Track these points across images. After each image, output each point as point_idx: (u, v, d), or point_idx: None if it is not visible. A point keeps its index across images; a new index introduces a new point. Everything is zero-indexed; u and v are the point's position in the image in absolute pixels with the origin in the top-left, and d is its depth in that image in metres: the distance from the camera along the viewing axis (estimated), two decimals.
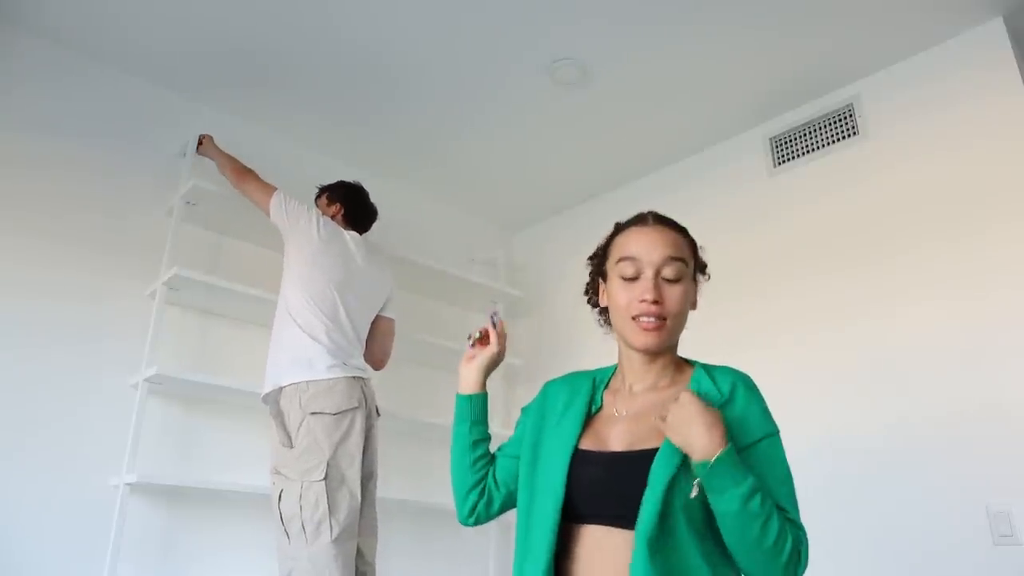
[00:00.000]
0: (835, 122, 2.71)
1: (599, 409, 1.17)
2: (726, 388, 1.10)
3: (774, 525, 0.95)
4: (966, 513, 2.06)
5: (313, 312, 2.14)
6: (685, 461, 0.99)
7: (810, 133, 2.78)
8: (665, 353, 1.16)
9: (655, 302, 1.10)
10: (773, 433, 1.09)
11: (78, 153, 2.52)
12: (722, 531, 0.98)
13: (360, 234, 2.49)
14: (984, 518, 2.03)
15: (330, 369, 2.07)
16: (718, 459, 0.94)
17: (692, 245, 1.20)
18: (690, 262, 1.16)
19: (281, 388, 2.08)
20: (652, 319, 1.10)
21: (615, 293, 1.15)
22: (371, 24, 2.44)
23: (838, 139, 2.69)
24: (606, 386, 1.21)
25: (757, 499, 0.94)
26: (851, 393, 2.39)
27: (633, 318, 1.11)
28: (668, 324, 1.11)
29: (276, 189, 2.41)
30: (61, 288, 2.37)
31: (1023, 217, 2.18)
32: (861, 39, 2.49)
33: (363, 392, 2.13)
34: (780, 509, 1.01)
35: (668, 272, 1.12)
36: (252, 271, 2.72)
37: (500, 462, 1.29)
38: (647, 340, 1.11)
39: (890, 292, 2.40)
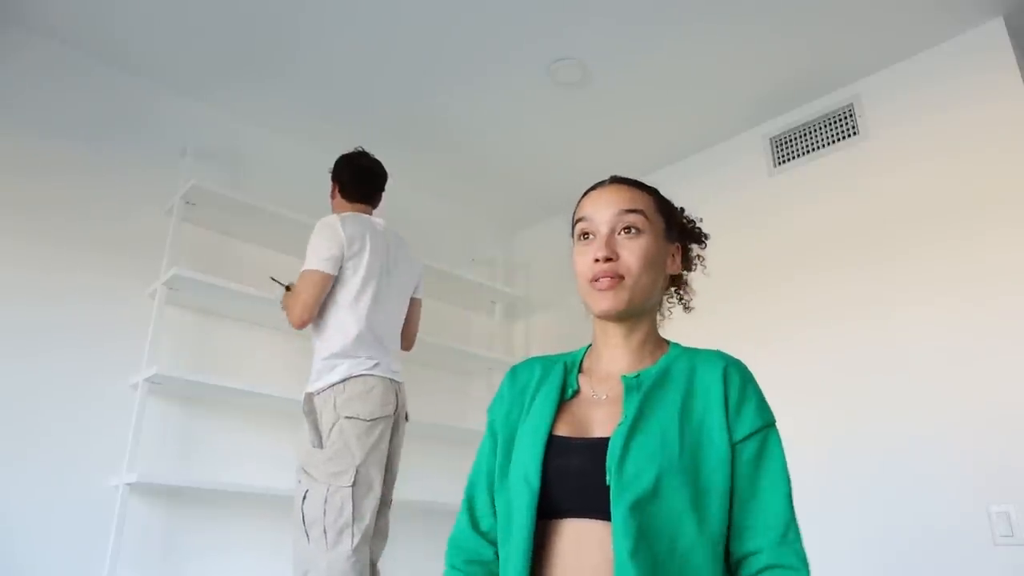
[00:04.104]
0: (835, 122, 2.71)
1: (575, 393, 1.06)
2: (716, 376, 1.01)
3: None
4: (966, 513, 2.06)
5: (358, 307, 2.09)
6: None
7: (810, 133, 2.78)
8: (640, 325, 1.07)
9: (608, 259, 1.01)
10: (769, 424, 1.01)
11: (78, 153, 2.52)
12: None
13: (370, 204, 2.35)
14: (984, 518, 2.03)
15: (367, 367, 2.03)
16: None
17: (660, 203, 1.11)
18: (654, 218, 1.07)
19: (322, 389, 2.03)
20: (607, 279, 1.01)
21: (574, 258, 1.07)
22: (370, 24, 2.44)
23: (838, 139, 2.69)
24: (579, 368, 1.10)
25: None
26: (850, 393, 2.39)
27: (590, 282, 1.03)
28: (627, 282, 1.01)
29: (319, 272, 2.12)
30: (61, 288, 2.37)
31: (1023, 217, 2.18)
32: (861, 39, 2.49)
33: (397, 397, 2.09)
34: (767, 527, 0.95)
35: (623, 225, 1.04)
36: (252, 271, 2.72)
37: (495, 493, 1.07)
38: (604, 302, 1.01)
39: (889, 293, 2.40)
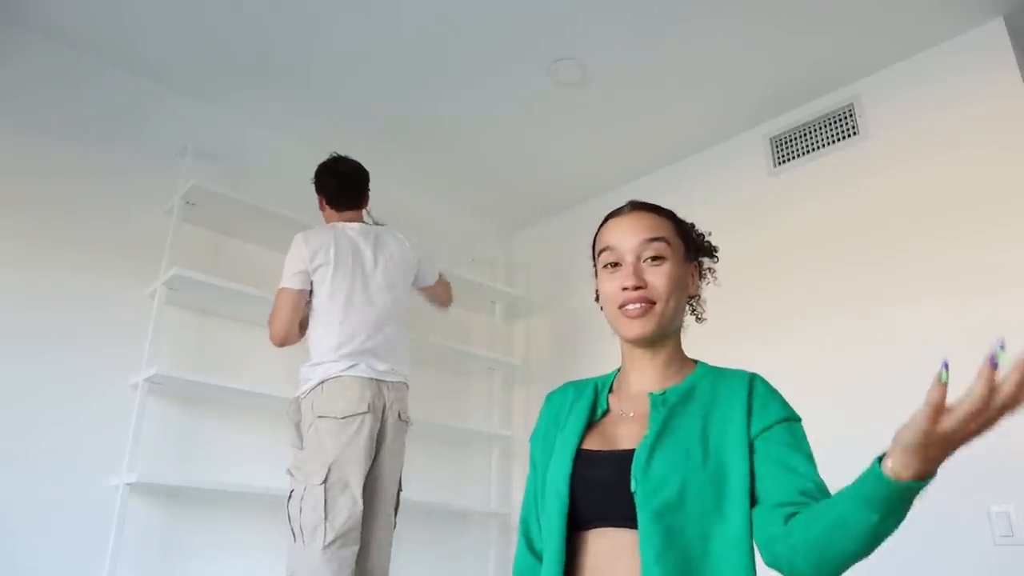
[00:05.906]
0: (835, 122, 2.71)
1: (605, 412, 1.12)
2: (741, 386, 1.06)
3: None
4: (966, 513, 2.06)
5: (330, 316, 2.14)
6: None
7: (810, 133, 2.78)
8: (665, 346, 1.11)
9: (637, 287, 1.06)
10: (793, 417, 1.06)
11: (78, 153, 2.52)
12: (835, 536, 0.86)
13: (358, 207, 2.37)
14: (984, 518, 2.03)
15: (343, 367, 2.06)
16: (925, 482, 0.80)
17: (678, 227, 1.16)
18: (675, 242, 1.12)
19: (306, 393, 2.09)
20: (637, 305, 1.06)
21: (601, 285, 1.12)
22: (371, 23, 2.44)
23: (838, 139, 2.69)
24: (609, 389, 1.16)
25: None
26: (849, 392, 2.38)
27: (620, 308, 1.08)
28: (657, 308, 1.06)
29: (288, 290, 2.18)
30: (61, 288, 2.37)
31: (1023, 217, 2.18)
32: (861, 39, 2.49)
33: (382, 395, 2.10)
34: (813, 495, 0.97)
35: (648, 254, 1.08)
36: (252, 271, 2.72)
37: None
38: (635, 328, 1.06)
39: (890, 292, 2.40)
